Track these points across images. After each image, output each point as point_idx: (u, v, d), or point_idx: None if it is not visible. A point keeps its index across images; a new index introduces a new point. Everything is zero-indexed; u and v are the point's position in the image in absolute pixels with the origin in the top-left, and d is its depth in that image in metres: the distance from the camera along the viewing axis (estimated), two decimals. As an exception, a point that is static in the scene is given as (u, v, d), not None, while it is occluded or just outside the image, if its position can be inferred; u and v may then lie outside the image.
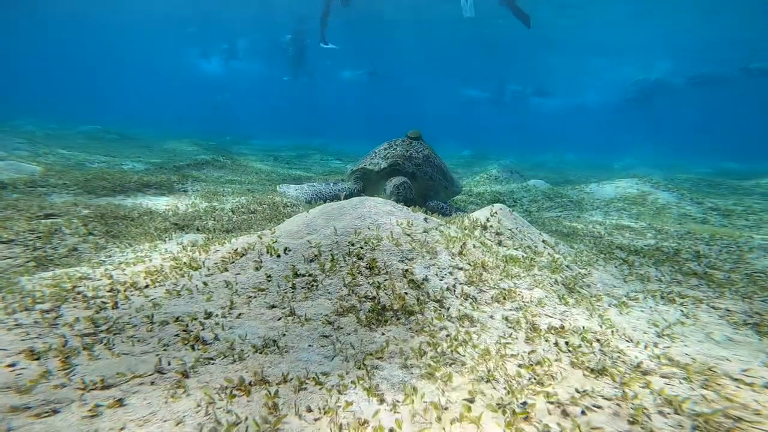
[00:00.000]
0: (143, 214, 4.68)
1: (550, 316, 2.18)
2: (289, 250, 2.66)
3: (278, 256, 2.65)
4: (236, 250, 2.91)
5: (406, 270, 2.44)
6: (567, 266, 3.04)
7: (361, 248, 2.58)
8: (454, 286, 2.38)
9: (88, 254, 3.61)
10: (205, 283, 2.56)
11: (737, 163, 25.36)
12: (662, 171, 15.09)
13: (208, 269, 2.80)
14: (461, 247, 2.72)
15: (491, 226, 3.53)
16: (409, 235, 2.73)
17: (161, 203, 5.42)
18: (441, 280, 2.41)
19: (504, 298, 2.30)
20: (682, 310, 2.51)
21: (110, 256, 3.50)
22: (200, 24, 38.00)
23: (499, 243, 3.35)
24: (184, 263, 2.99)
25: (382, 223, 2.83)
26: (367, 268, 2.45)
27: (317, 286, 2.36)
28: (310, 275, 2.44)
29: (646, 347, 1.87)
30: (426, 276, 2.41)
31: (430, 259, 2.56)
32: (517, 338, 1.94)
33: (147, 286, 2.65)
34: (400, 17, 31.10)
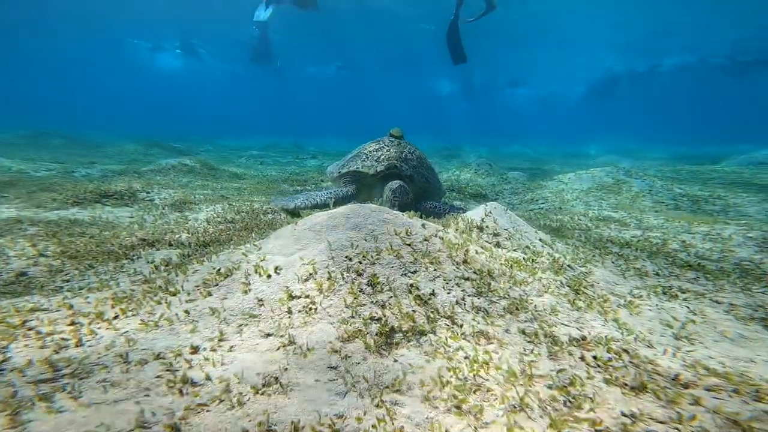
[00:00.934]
0: (104, 229, 4.22)
1: (567, 325, 2.08)
2: (280, 269, 2.41)
3: (268, 276, 2.39)
4: (219, 270, 2.62)
5: (411, 284, 2.26)
6: (569, 266, 2.98)
7: (360, 263, 2.38)
8: (463, 298, 2.23)
9: (41, 279, 3.16)
10: (186, 311, 2.27)
11: (688, 147, 27.14)
12: (625, 157, 15.79)
13: (189, 294, 2.50)
14: (464, 254, 2.57)
15: (487, 226, 3.41)
16: (409, 244, 2.55)
17: (124, 215, 4.93)
18: (449, 293, 2.25)
19: (516, 309, 2.18)
20: (687, 307, 2.50)
21: (68, 281, 3.09)
22: (154, 13, 35.43)
23: (498, 244, 3.24)
24: (159, 287, 2.66)
25: (379, 233, 2.62)
26: (368, 285, 2.25)
27: (316, 308, 2.14)
28: (306, 297, 2.21)
29: (674, 355, 1.81)
30: (433, 290, 2.25)
31: (435, 270, 2.40)
32: (540, 354, 1.81)
33: (117, 317, 2.32)
34: (367, 12, 30.66)
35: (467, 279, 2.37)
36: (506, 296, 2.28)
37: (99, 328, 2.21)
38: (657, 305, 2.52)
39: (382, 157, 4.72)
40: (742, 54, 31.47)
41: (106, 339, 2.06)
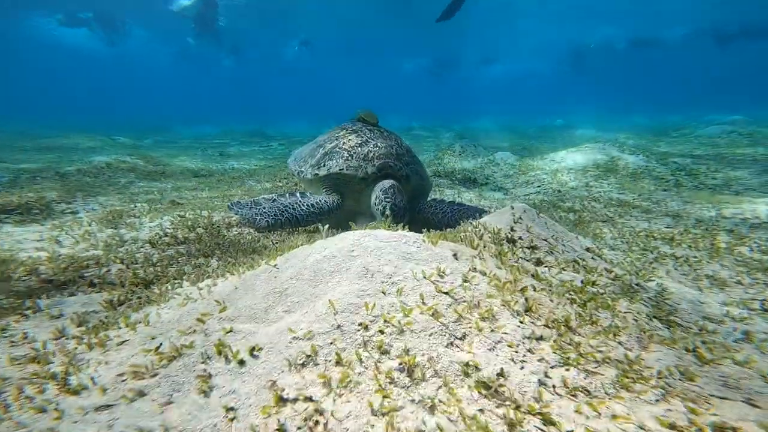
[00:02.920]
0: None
1: (724, 397, 1.39)
2: (260, 350, 1.52)
3: (241, 362, 1.50)
4: (159, 348, 1.68)
5: (466, 363, 1.46)
6: (636, 284, 2.31)
7: (382, 332, 1.54)
8: (546, 374, 1.47)
9: None
10: (99, 437, 1.34)
11: (646, 117, 28.16)
12: (599, 130, 15.75)
13: (104, 391, 1.55)
14: (524, 296, 1.80)
15: (520, 238, 2.66)
16: (446, 293, 1.74)
17: (30, 239, 3.71)
18: (522, 368, 1.48)
19: (632, 381, 1.45)
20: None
21: None
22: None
23: (538, 262, 2.51)
24: (53, 375, 1.68)
25: (400, 277, 1.78)
26: (401, 370, 1.43)
27: (326, 423, 1.29)
28: (307, 399, 1.36)
29: None
30: (500, 368, 1.46)
31: (491, 330, 1.61)
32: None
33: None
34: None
35: (541, 339, 1.61)
36: (606, 360, 1.55)
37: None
38: (772, 337, 1.91)
39: (371, 154, 3.70)
40: (723, 26, 32.75)
41: None
